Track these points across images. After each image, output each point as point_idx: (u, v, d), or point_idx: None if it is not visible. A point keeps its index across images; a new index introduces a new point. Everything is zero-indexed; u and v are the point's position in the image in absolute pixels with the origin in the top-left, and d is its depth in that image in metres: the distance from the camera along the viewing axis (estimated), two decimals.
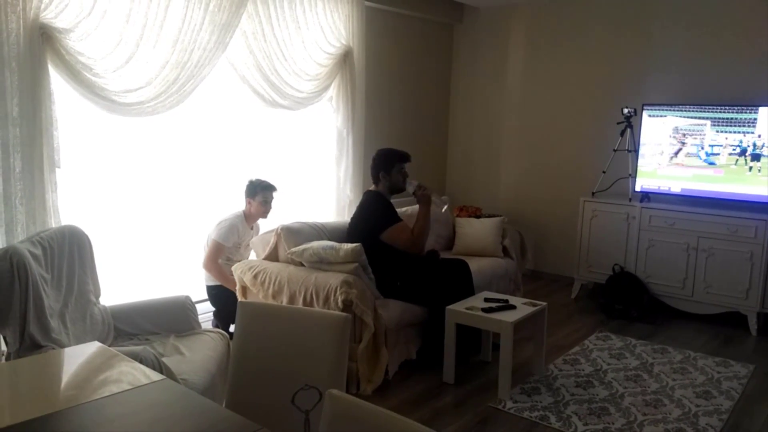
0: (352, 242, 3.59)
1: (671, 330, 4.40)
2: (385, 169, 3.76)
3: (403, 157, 3.79)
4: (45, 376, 1.85)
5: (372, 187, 3.86)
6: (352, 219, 3.87)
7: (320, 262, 3.36)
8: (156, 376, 1.73)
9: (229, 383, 1.99)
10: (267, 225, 3.94)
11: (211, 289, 3.84)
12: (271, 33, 4.07)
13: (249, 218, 3.90)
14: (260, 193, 3.82)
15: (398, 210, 3.88)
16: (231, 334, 2.53)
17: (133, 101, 3.43)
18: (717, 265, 4.40)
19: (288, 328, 1.94)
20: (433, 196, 3.71)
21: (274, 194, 3.89)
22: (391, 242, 3.58)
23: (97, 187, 3.60)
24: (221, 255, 3.77)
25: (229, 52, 3.85)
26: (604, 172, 4.98)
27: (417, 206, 3.80)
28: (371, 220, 3.65)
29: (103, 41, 3.24)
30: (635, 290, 4.66)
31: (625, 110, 4.80)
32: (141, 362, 2.20)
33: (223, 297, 3.77)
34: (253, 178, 3.89)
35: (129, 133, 3.68)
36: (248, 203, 3.86)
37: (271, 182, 3.88)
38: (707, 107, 4.53)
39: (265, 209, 3.86)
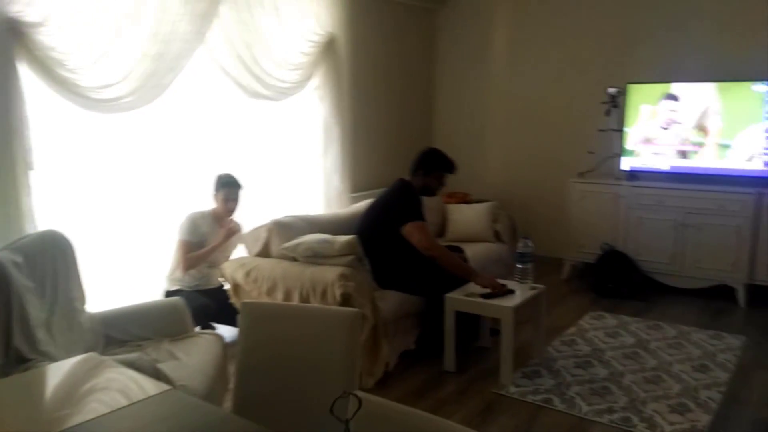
0: (368, 223, 3.53)
1: (663, 306, 4.43)
2: (426, 170, 3.62)
3: (449, 167, 3.67)
4: (39, 394, 1.75)
5: (407, 177, 3.71)
6: (374, 202, 3.75)
7: (315, 257, 3.28)
8: (162, 387, 1.64)
9: (235, 387, 1.90)
10: (257, 220, 3.81)
11: (170, 295, 3.58)
12: (252, 21, 3.95)
13: (219, 217, 3.72)
14: (221, 189, 3.66)
15: None
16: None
17: (110, 97, 3.29)
18: (705, 240, 4.44)
19: (295, 328, 1.87)
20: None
21: (240, 192, 3.71)
22: (409, 238, 3.45)
23: (74, 188, 3.45)
24: (190, 251, 3.59)
25: (209, 43, 3.72)
26: (590, 152, 4.97)
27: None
28: (396, 210, 3.53)
29: (76, 35, 3.09)
30: (625, 268, 4.68)
31: (610, 90, 4.79)
32: (138, 371, 2.11)
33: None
34: (222, 172, 3.72)
35: (107, 130, 3.53)
36: (214, 199, 3.71)
37: (237, 179, 3.69)
38: (691, 84, 4.54)
39: (227, 207, 3.68)
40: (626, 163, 4.84)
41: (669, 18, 4.82)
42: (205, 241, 3.66)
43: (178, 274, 3.64)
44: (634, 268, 4.69)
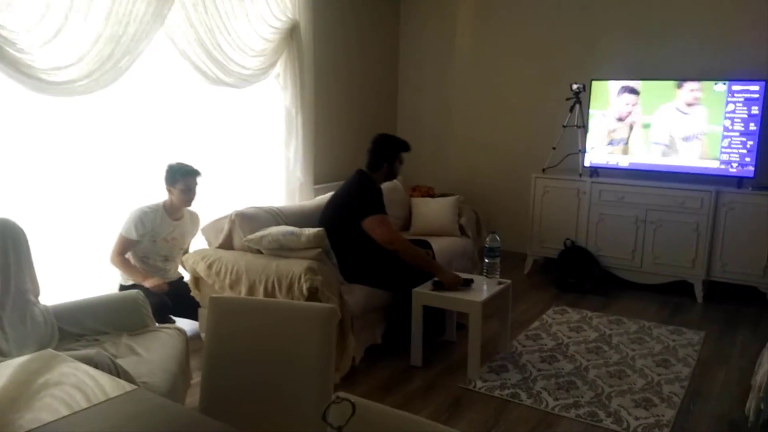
0: (329, 217, 3.45)
1: (623, 301, 4.51)
2: (390, 159, 3.60)
3: (406, 146, 3.69)
4: None
5: (365, 170, 3.64)
6: (335, 195, 3.67)
7: (280, 249, 3.19)
8: (125, 386, 1.54)
9: (203, 386, 1.82)
10: (218, 211, 3.69)
11: (124, 289, 3.43)
12: (213, 5, 3.81)
13: (173, 209, 3.53)
14: (181, 180, 3.45)
15: None
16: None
17: (64, 79, 3.12)
18: (665, 237, 4.53)
19: (266, 324, 1.79)
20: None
21: (198, 179, 3.53)
22: (370, 232, 3.40)
23: (28, 175, 3.27)
24: (128, 249, 3.43)
25: (168, 26, 3.57)
26: (554, 148, 5.01)
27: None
28: (356, 203, 3.46)
29: (26, 12, 2.91)
30: (587, 264, 4.74)
31: (574, 86, 4.83)
32: (96, 367, 2.00)
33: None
34: (173, 162, 3.51)
35: (62, 114, 3.35)
36: (169, 192, 3.50)
37: (194, 166, 3.51)
38: (655, 81, 4.62)
39: (187, 197, 3.50)
40: (588, 160, 4.90)
41: (634, 14, 4.90)
42: (152, 236, 3.47)
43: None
44: (596, 263, 4.76)
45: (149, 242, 3.47)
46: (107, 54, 3.27)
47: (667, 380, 3.20)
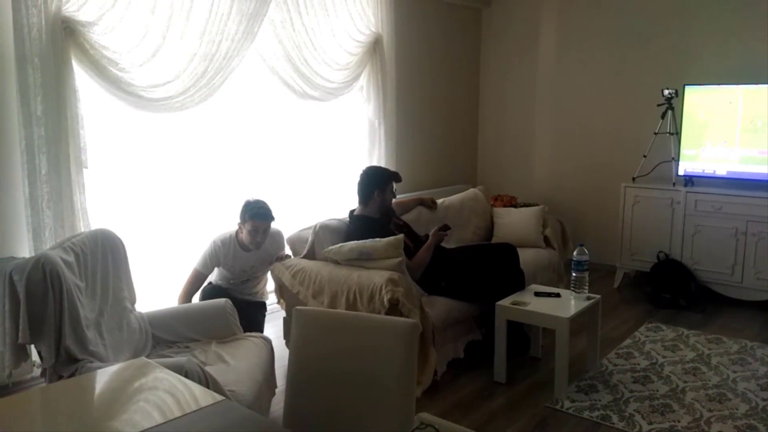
0: None
1: (723, 318, 4.21)
2: (381, 187, 3.50)
3: (395, 177, 3.62)
4: (89, 401, 1.70)
5: (356, 210, 3.58)
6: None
7: (359, 259, 3.20)
8: (214, 396, 1.58)
9: (286, 397, 1.83)
10: (303, 221, 3.75)
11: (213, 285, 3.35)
12: (300, 21, 3.91)
13: (242, 243, 3.30)
14: (249, 220, 3.21)
15: None
16: None
17: (161, 96, 3.29)
18: (767, 250, 4.20)
19: (349, 337, 1.79)
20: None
21: (270, 225, 3.29)
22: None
23: (126, 187, 3.47)
24: (198, 283, 3.29)
25: (258, 43, 3.70)
26: (644, 156, 4.77)
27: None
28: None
29: (128, 34, 3.11)
30: (682, 278, 4.46)
31: (666, 91, 4.58)
32: (186, 375, 2.07)
33: None
34: (251, 198, 3.28)
35: (158, 130, 3.54)
36: (239, 227, 3.29)
37: (268, 209, 3.24)
38: (752, 86, 4.30)
39: (253, 239, 3.23)
40: (682, 168, 4.62)
41: (730, 13, 4.59)
42: (230, 269, 3.32)
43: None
44: (692, 277, 4.47)
45: (227, 272, 3.34)
46: (201, 71, 3.42)
47: None
